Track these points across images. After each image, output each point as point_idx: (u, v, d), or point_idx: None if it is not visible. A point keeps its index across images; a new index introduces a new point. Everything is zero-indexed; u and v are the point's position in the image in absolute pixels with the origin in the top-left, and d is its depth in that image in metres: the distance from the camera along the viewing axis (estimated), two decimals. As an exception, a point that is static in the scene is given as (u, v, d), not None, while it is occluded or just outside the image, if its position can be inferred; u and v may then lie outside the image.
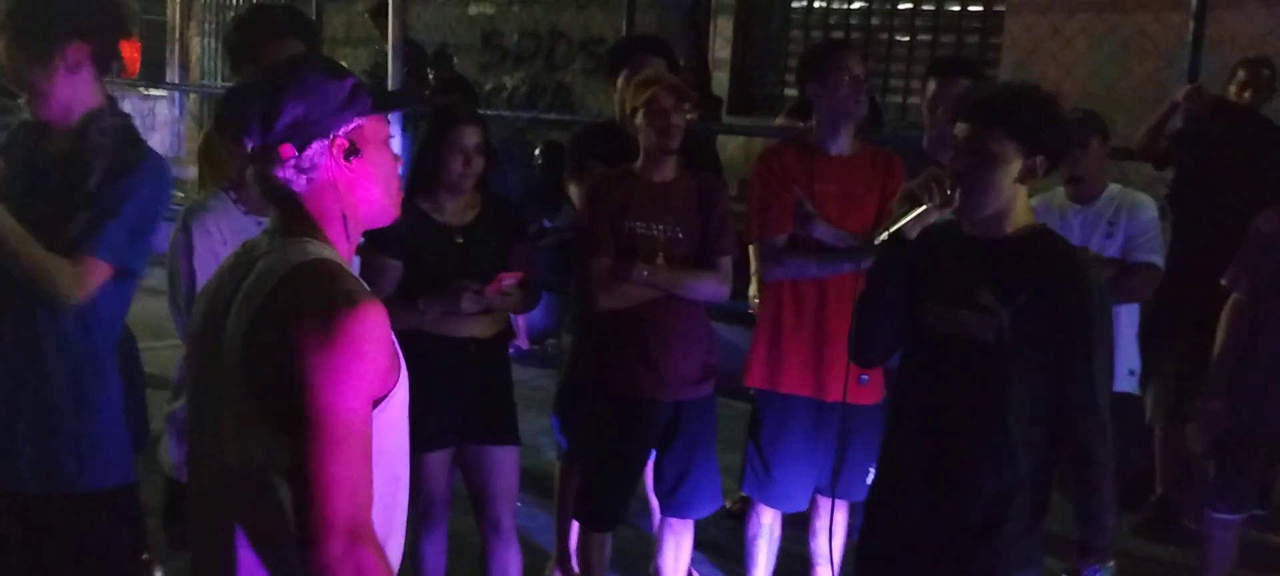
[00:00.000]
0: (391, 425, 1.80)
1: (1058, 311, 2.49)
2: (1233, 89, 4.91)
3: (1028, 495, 2.57)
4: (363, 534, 1.67)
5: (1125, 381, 3.80)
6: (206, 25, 12.76)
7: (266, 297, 1.72)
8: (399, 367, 1.81)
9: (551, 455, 5.31)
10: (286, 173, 1.80)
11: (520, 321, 7.67)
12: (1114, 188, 3.83)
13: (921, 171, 3.80)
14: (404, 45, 8.44)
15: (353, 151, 1.82)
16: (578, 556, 3.86)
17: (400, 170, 1.97)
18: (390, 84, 8.36)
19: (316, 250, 1.80)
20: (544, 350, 7.62)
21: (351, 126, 1.83)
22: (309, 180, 1.81)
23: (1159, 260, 3.74)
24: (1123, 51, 6.66)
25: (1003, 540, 2.56)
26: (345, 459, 1.65)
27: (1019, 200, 2.56)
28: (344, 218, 1.85)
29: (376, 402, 1.74)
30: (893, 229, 2.56)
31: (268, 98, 1.80)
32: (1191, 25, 5.36)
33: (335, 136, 1.81)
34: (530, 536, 4.51)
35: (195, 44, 12.92)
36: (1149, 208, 3.80)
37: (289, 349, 1.66)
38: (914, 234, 2.58)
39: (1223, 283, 3.91)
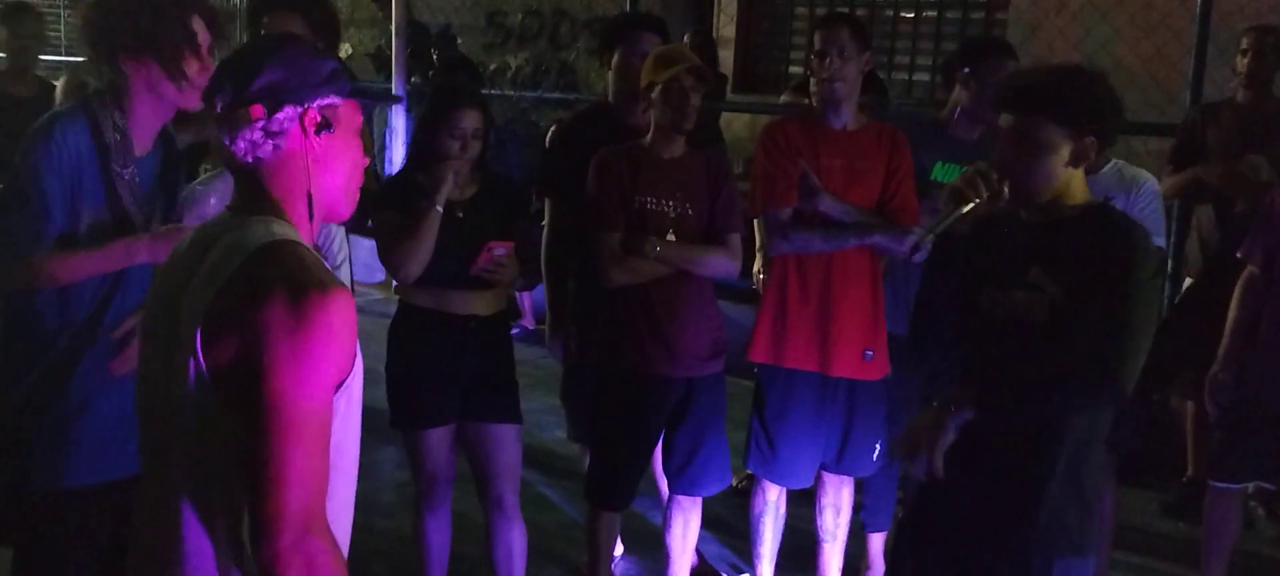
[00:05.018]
0: (344, 417, 1.75)
1: (1104, 282, 2.42)
2: (1239, 60, 4.90)
3: (1074, 478, 2.51)
4: (316, 525, 1.62)
5: None
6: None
7: (231, 276, 1.66)
8: (356, 356, 1.75)
9: (556, 434, 5.31)
10: (254, 135, 1.74)
11: (526, 301, 7.66)
12: (1116, 162, 3.80)
13: (938, 145, 3.82)
14: (408, 26, 8.43)
15: (325, 126, 1.78)
16: (587, 535, 3.84)
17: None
18: (394, 66, 8.37)
19: (282, 231, 1.74)
20: (550, 330, 7.59)
21: (327, 102, 1.79)
22: (275, 147, 1.75)
23: (1160, 242, 3.71)
24: (1129, 25, 6.60)
25: (1045, 523, 2.50)
26: (303, 448, 1.61)
27: (1075, 180, 2.51)
28: (309, 197, 1.80)
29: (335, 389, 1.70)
30: (939, 229, 2.54)
31: (247, 61, 1.76)
32: (1199, -2, 5.32)
33: (309, 106, 1.77)
34: (534, 514, 4.50)
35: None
36: (1150, 184, 3.77)
37: (253, 330, 1.61)
38: (963, 229, 2.54)
39: (1237, 255, 3.89)
